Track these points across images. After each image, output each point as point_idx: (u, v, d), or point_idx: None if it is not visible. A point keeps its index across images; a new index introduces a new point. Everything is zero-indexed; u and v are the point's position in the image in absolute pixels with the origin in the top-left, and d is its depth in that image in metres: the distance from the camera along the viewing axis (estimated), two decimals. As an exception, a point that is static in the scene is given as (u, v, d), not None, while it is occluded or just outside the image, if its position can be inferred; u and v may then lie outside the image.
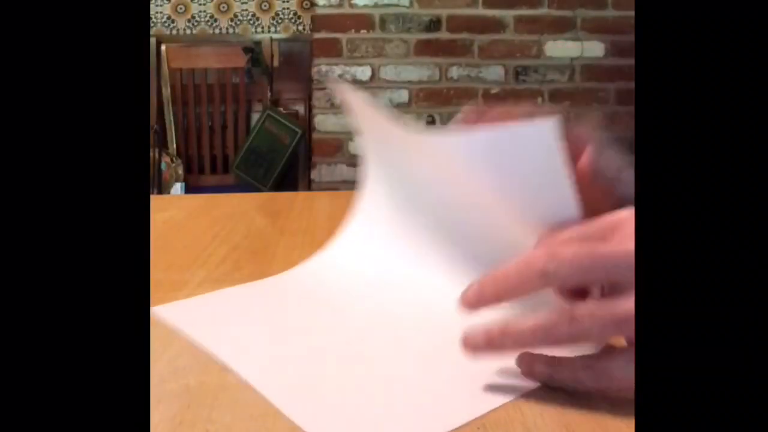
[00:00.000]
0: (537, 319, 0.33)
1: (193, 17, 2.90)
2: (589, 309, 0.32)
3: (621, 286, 0.32)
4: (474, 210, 0.43)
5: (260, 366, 0.37)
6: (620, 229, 0.34)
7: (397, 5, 2.40)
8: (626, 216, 0.35)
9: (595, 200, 0.41)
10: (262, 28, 2.91)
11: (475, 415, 0.32)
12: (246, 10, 2.91)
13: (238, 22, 2.91)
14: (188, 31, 2.90)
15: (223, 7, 2.91)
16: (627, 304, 0.31)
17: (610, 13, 2.42)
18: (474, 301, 0.35)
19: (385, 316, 0.43)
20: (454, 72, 2.43)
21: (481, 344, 0.34)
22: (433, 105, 2.44)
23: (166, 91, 2.58)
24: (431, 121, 2.44)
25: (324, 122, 2.44)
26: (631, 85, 2.41)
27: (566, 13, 2.42)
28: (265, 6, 2.91)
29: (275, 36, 2.84)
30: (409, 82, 2.43)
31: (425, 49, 2.42)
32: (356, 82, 2.42)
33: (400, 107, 2.44)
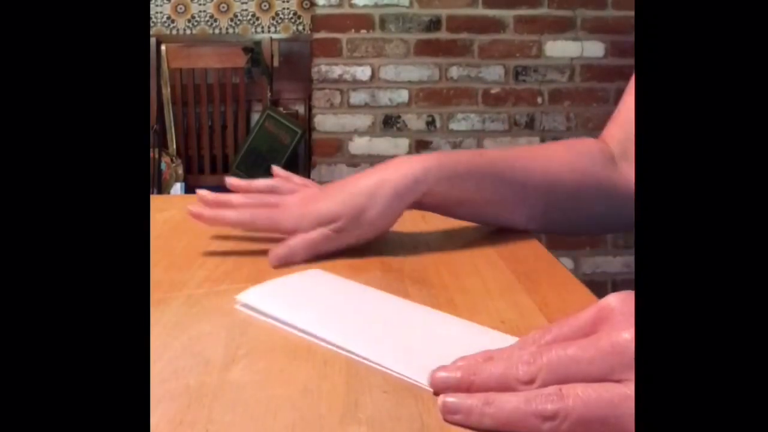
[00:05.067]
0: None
1: (193, 17, 2.90)
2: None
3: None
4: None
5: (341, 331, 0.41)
6: (609, 319, 0.32)
7: (397, 5, 2.40)
8: (614, 304, 0.32)
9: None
10: (262, 28, 2.91)
11: None
12: (246, 10, 2.91)
13: (238, 22, 2.91)
14: (188, 31, 2.90)
15: (223, 7, 2.91)
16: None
17: (610, 13, 2.41)
18: (447, 385, 0.33)
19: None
20: (454, 72, 2.43)
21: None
22: (433, 105, 2.44)
23: (166, 91, 2.58)
24: (431, 121, 2.44)
25: (324, 122, 2.44)
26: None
27: (566, 13, 2.41)
28: (265, 6, 2.91)
29: (275, 36, 2.84)
30: (409, 82, 2.43)
31: (425, 49, 2.42)
32: (356, 82, 2.42)
33: (400, 107, 2.44)
